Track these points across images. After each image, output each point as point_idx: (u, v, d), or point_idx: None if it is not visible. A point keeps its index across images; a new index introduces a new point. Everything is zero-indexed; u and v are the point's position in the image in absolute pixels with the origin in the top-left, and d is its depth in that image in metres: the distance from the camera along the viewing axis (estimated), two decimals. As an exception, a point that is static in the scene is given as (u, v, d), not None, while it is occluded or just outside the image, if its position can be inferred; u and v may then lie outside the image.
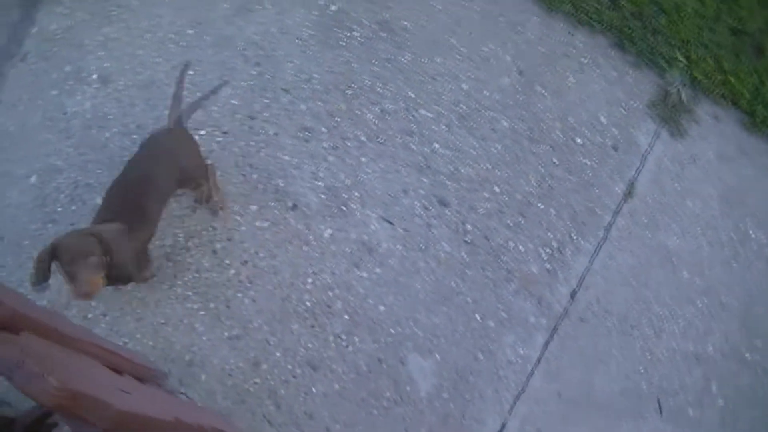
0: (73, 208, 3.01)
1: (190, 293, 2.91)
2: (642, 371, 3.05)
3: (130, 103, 3.20)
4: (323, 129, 3.19)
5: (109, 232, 2.41)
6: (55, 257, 2.31)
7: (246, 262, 2.97)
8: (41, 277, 2.32)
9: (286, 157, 3.14)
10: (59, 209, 3.02)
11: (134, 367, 2.30)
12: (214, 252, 2.97)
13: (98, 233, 2.35)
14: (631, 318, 3.08)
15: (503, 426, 2.91)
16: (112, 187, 2.62)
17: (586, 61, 3.40)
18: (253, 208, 3.06)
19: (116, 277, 2.45)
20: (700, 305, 3.14)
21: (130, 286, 2.82)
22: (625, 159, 3.27)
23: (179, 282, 2.92)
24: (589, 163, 3.23)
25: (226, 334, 2.88)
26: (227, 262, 2.96)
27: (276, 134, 3.17)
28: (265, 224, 3.04)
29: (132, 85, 3.23)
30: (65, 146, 3.12)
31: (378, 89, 3.26)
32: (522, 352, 2.99)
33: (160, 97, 3.21)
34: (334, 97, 3.24)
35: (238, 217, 3.04)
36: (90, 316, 2.89)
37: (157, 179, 2.61)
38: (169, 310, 2.89)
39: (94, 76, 3.25)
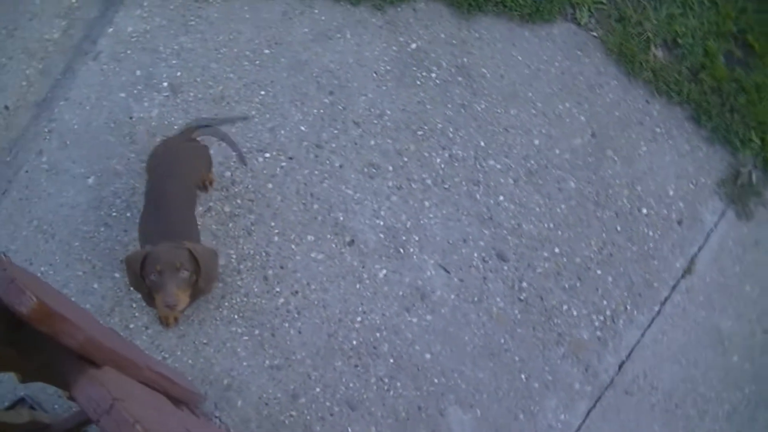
0: (128, 214, 2.97)
1: (236, 316, 2.86)
2: (681, 451, 2.99)
3: (197, 115, 3.16)
4: (389, 167, 3.14)
5: (203, 249, 2.41)
6: (144, 265, 2.29)
7: (296, 292, 2.92)
8: (136, 284, 2.37)
9: (349, 191, 3.09)
10: (114, 214, 2.98)
11: (180, 390, 2.25)
12: (265, 278, 2.93)
13: (193, 248, 2.34)
14: (676, 396, 3.02)
15: (537, 492, 2.84)
16: (146, 219, 2.63)
17: (660, 131, 3.35)
18: (310, 238, 3.01)
19: (194, 294, 2.44)
20: (747, 392, 3.08)
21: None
22: (688, 235, 3.21)
23: (226, 304, 2.88)
24: (651, 234, 3.18)
25: (267, 362, 2.83)
26: (277, 289, 2.92)
27: (341, 166, 3.13)
28: (320, 256, 2.99)
29: (202, 98, 3.19)
30: (127, 151, 3.08)
31: (449, 134, 3.22)
32: (563, 417, 2.93)
33: (227, 115, 3.17)
34: (405, 136, 3.19)
35: (294, 246, 2.99)
36: (132, 326, 2.85)
37: (179, 190, 2.62)
38: (212, 330, 2.84)
39: (165, 84, 3.22)
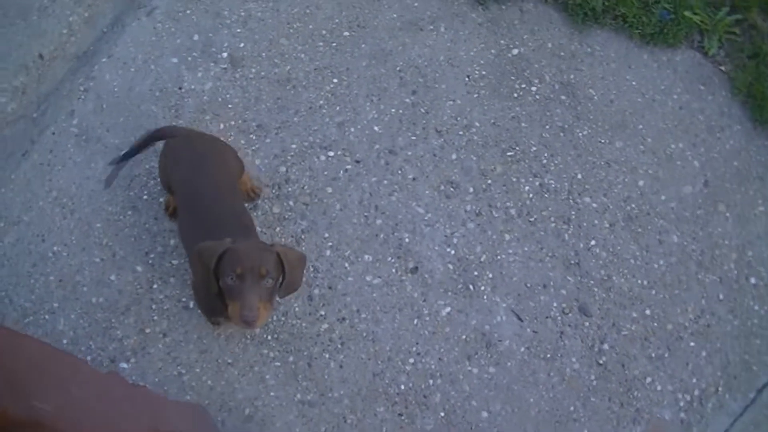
0: (161, 200, 2.55)
1: (269, 338, 2.48)
2: None
3: (257, 96, 2.74)
4: (470, 188, 2.71)
5: (293, 255, 2.01)
6: (222, 262, 1.90)
7: (343, 319, 2.52)
8: (204, 283, 1.96)
9: (420, 209, 2.67)
10: (145, 197, 2.58)
11: None
12: (310, 298, 2.52)
13: (283, 253, 1.95)
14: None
15: None
16: (187, 224, 2.24)
17: (783, 191, 2.90)
18: (368, 258, 2.60)
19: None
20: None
21: None
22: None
23: (261, 320, 2.44)
24: (758, 309, 2.74)
25: (299, 396, 2.46)
26: (322, 313, 2.52)
27: (415, 179, 2.71)
28: (377, 281, 2.58)
29: (265, 76, 2.77)
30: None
31: (543, 159, 2.78)
32: (629, 507, 2.51)
33: (291, 100, 2.73)
34: (492, 154, 2.76)
35: (347, 264, 2.57)
36: (148, 330, 2.47)
37: (218, 181, 2.23)
38: (240, 350, 2.46)
39: (224, 55, 2.80)
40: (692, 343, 2.69)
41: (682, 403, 2.63)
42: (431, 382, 2.52)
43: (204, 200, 2.18)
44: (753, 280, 2.78)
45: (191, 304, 2.50)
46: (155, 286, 2.51)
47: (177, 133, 2.39)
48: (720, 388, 2.65)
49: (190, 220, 2.20)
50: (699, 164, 2.89)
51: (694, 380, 2.65)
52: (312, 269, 2.59)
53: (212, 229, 2.08)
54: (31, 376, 1.28)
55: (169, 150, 2.34)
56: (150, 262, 2.54)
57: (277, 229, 2.61)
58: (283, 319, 2.53)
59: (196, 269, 2.07)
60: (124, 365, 2.44)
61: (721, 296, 2.74)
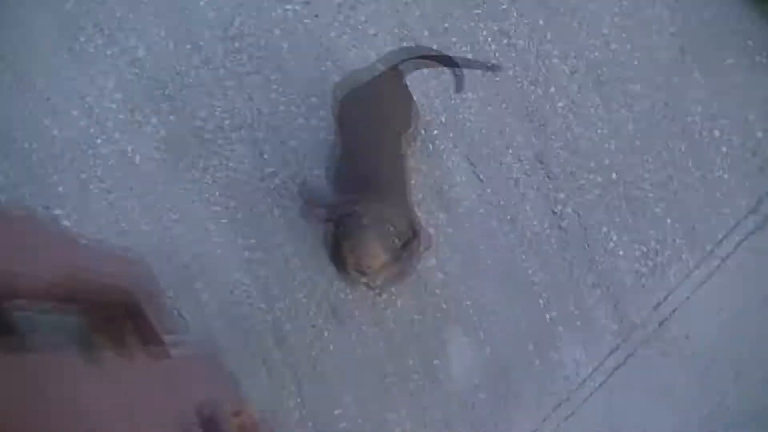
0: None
1: (218, 194, 2.39)
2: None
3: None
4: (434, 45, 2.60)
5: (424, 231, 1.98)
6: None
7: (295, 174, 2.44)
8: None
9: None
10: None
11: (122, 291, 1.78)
12: (261, 153, 2.44)
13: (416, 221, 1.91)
14: (718, 365, 2.56)
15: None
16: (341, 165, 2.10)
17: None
18: (314, 100, 2.51)
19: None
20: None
21: None
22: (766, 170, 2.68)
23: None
24: (727, 177, 2.66)
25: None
26: (272, 168, 2.43)
27: (375, 35, 2.59)
28: (323, 123, 2.49)
29: None
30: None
31: (512, 18, 2.66)
32: (585, 370, 2.51)
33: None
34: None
35: (301, 119, 2.49)
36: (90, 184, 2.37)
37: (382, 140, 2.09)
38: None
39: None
40: (657, 209, 2.63)
41: (644, 269, 2.59)
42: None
43: (366, 153, 2.07)
44: (724, 149, 2.69)
45: (136, 157, 2.44)
46: (99, 140, 2.45)
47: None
48: (684, 255, 2.63)
49: (344, 164, 2.08)
50: (675, 30, 2.75)
51: (658, 246, 2.61)
52: (260, 122, 2.52)
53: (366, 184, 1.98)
54: None
55: (347, 99, 2.18)
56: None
57: (222, 74, 2.51)
58: (231, 170, 2.47)
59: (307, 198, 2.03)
60: (67, 223, 2.39)
61: (690, 163, 2.66)
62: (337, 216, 1.83)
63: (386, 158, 2.10)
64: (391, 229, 1.80)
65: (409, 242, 1.88)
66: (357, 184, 2.01)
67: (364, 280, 1.92)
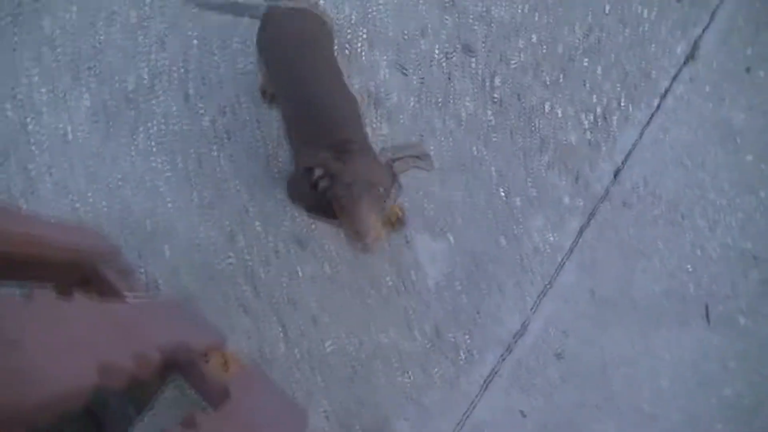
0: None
1: (154, 147, 2.31)
2: (690, 270, 2.53)
3: None
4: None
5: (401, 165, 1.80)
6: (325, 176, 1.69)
7: (224, 111, 2.34)
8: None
9: None
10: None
11: (72, 252, 1.68)
12: (186, 98, 2.34)
13: (389, 161, 1.76)
14: (682, 205, 2.54)
15: (524, 326, 2.39)
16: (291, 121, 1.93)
17: None
18: (236, 45, 2.40)
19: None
20: (763, 196, 2.61)
21: None
22: (690, 13, 2.66)
23: (141, 134, 2.30)
24: (647, 15, 2.62)
25: (196, 199, 2.41)
26: (201, 107, 2.33)
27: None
28: (250, 66, 2.40)
29: None
30: None
31: None
32: (552, 238, 2.45)
33: None
34: None
35: (216, 56, 2.38)
36: (31, 169, 2.27)
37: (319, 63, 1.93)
38: (128, 166, 2.28)
39: None
40: (586, 62, 2.58)
41: (586, 124, 2.53)
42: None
43: (309, 88, 1.88)
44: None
45: (69, 133, 2.33)
46: (30, 126, 2.34)
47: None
48: (622, 102, 2.57)
49: (293, 111, 1.91)
50: None
51: (594, 98, 2.56)
52: (182, 66, 2.41)
53: (321, 123, 1.83)
54: None
55: (267, 22, 2.02)
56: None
57: (138, 34, 2.41)
58: (163, 124, 2.36)
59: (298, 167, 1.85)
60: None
61: (607, 8, 2.62)
62: (318, 177, 1.73)
63: (332, 85, 1.94)
64: (381, 190, 1.71)
65: (393, 192, 1.79)
66: (316, 129, 1.84)
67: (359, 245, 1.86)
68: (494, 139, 2.47)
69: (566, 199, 2.48)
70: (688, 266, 2.54)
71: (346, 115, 1.88)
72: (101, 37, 2.37)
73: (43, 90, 2.35)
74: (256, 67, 2.27)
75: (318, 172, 1.69)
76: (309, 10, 2.05)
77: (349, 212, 1.69)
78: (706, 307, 2.55)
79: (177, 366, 1.52)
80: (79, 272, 1.70)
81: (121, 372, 1.11)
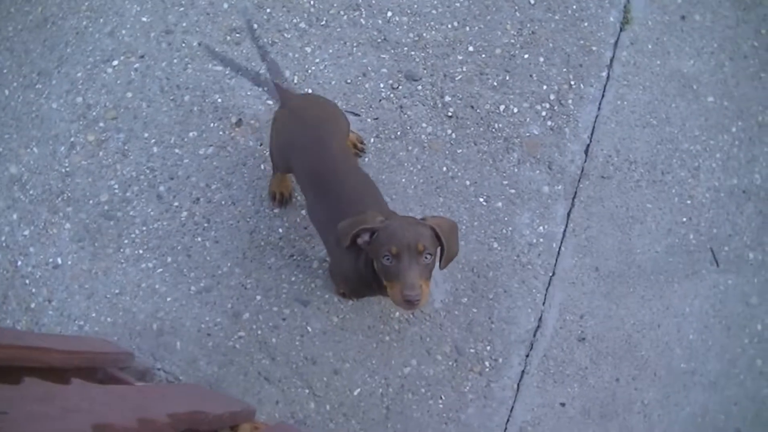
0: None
1: (142, 252, 2.51)
2: (685, 221, 2.57)
3: (25, 49, 2.66)
4: (255, 25, 2.67)
5: (446, 224, 1.87)
6: (373, 244, 1.80)
7: (198, 199, 2.51)
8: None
9: (218, 68, 2.62)
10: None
11: (79, 358, 1.81)
12: (159, 196, 2.49)
13: (437, 225, 1.81)
14: (659, 163, 2.59)
15: (540, 320, 2.43)
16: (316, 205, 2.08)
17: None
18: (193, 134, 2.56)
19: None
20: (735, 131, 2.65)
21: None
22: (612, -19, 2.74)
23: (125, 241, 2.45)
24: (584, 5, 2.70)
25: (193, 288, 2.50)
26: (176, 204, 2.50)
27: (200, 44, 2.67)
28: (210, 150, 2.56)
29: (22, 28, 2.69)
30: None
31: (308, -38, 2.72)
32: (542, 229, 2.51)
33: (56, 35, 2.66)
34: (258, -15, 2.70)
35: (177, 150, 2.54)
36: (33, 305, 2.41)
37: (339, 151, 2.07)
38: (120, 277, 2.44)
39: None
40: (526, 55, 2.67)
41: (543, 113, 2.61)
42: (303, 212, 2.49)
43: (332, 175, 2.01)
44: (565, -20, 2.73)
45: (59, 261, 2.47)
46: (20, 264, 2.49)
47: (285, 95, 2.23)
48: (572, 82, 2.64)
49: (320, 200, 2.03)
50: None
51: (544, 87, 2.64)
52: (148, 171, 2.55)
53: (346, 206, 1.95)
54: None
55: (282, 124, 2.15)
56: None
57: (101, 154, 2.56)
58: (144, 228, 2.49)
59: (335, 250, 1.98)
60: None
61: (532, 1, 2.70)
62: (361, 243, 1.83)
63: (352, 170, 2.07)
64: (428, 257, 1.78)
65: (442, 250, 1.85)
66: (341, 211, 1.95)
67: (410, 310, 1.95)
68: (460, 153, 2.55)
69: (545, 189, 2.54)
70: (683, 218, 2.58)
71: (371, 198, 2.01)
72: (66, 167, 2.51)
73: (26, 231, 2.49)
74: (271, 161, 2.38)
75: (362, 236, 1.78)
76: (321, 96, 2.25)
77: (398, 283, 1.75)
78: (712, 252, 2.57)
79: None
80: (95, 377, 1.83)
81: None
